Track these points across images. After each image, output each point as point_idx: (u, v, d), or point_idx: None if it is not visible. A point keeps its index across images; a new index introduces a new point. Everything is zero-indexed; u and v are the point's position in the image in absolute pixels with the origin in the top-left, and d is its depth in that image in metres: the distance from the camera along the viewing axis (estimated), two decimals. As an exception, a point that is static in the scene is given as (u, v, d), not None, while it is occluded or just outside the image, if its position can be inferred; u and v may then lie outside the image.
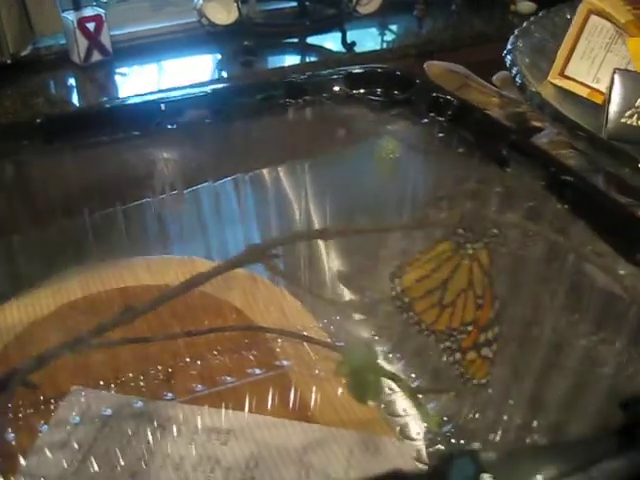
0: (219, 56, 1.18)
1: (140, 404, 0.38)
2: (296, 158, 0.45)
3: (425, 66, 0.56)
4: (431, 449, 0.36)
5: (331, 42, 1.21)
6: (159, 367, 0.40)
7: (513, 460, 0.19)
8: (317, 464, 0.35)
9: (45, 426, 0.37)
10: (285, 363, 0.41)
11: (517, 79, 0.47)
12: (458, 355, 0.32)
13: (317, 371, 0.41)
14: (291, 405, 0.38)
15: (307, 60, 1.18)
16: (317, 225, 0.48)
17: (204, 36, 1.17)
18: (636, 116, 0.43)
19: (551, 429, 0.34)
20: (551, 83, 0.50)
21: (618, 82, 0.44)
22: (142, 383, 0.39)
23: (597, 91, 0.48)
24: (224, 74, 1.14)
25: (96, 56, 1.09)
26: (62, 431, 0.36)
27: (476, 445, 0.36)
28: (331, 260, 0.48)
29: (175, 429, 0.37)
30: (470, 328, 0.32)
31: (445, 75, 0.55)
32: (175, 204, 0.42)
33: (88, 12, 1.07)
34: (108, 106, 0.48)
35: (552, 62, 0.50)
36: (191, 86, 1.02)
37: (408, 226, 0.34)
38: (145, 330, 0.41)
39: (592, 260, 0.28)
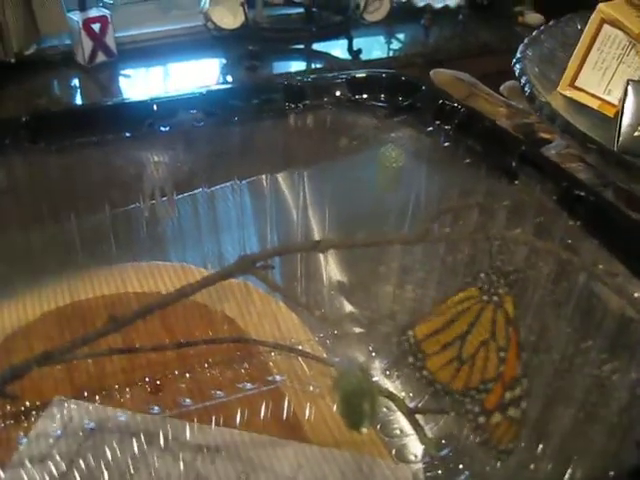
0: (224, 60, 1.18)
1: (125, 417, 0.37)
2: (294, 165, 0.44)
3: (431, 73, 0.55)
4: (429, 473, 0.35)
5: (337, 49, 1.21)
6: (146, 379, 0.39)
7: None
8: (308, 487, 0.33)
9: (25, 439, 0.35)
10: (278, 378, 0.40)
11: (526, 88, 0.46)
12: (482, 419, 0.28)
13: (311, 387, 0.39)
14: (283, 423, 0.37)
15: (312, 66, 1.18)
16: (316, 235, 0.47)
17: (209, 40, 1.16)
18: (650, 129, 0.41)
19: (555, 457, 0.32)
20: (561, 94, 0.49)
21: (632, 94, 0.42)
22: (128, 395, 0.38)
23: (608, 103, 0.47)
24: (228, 78, 1.14)
25: (101, 57, 1.08)
26: (43, 444, 0.35)
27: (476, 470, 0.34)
28: (330, 270, 0.47)
29: (162, 444, 0.35)
30: (491, 385, 0.28)
31: (451, 83, 0.54)
32: (167, 210, 0.41)
33: (93, 13, 1.06)
34: (99, 105, 0.46)
35: (562, 72, 0.49)
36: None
37: (408, 240, 0.32)
38: (134, 339, 0.39)
39: (605, 280, 0.26)
